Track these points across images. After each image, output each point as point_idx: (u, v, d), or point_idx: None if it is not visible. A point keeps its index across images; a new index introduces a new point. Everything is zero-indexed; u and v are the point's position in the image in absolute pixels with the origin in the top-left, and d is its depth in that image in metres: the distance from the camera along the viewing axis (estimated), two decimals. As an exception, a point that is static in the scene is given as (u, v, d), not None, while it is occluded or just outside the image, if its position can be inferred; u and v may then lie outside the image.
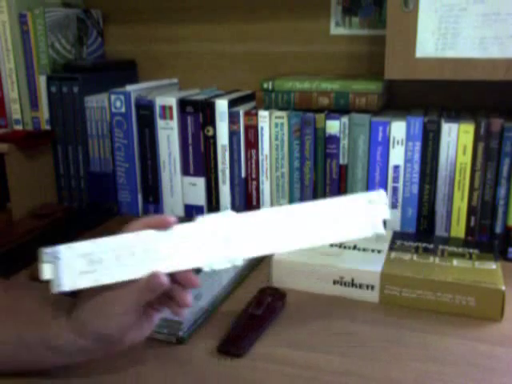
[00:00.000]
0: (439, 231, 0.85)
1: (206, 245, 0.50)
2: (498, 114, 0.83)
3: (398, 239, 0.78)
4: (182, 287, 0.51)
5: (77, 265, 0.49)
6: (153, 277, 0.48)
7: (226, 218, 0.51)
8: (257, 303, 0.66)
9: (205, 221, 0.51)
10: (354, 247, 0.75)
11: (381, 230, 0.53)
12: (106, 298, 0.49)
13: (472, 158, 0.80)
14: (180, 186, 0.98)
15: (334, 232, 0.53)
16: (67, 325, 0.51)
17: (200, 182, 0.97)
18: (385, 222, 0.54)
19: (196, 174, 0.97)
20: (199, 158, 0.96)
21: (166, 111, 0.95)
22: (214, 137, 0.94)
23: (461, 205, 0.82)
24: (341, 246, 0.75)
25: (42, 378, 0.55)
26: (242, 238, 0.51)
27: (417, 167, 0.83)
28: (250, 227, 0.51)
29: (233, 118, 0.92)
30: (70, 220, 0.91)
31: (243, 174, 0.94)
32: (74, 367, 0.56)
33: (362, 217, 0.53)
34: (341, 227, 0.53)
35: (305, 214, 0.52)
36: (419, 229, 0.86)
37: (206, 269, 0.50)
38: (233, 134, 0.92)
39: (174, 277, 0.50)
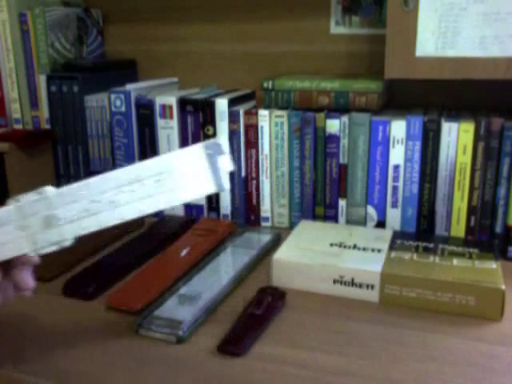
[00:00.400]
0: (439, 231, 0.85)
1: (26, 229, 0.47)
2: (498, 113, 0.83)
3: (398, 239, 0.78)
4: (19, 270, 0.49)
5: None
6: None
7: (43, 197, 0.47)
8: (257, 303, 0.66)
9: (21, 203, 0.47)
10: (354, 247, 0.75)
11: (226, 184, 0.47)
12: None
13: (472, 158, 0.80)
14: (180, 185, 0.98)
15: (171, 195, 0.46)
16: None
17: (200, 181, 0.97)
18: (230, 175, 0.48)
19: (196, 173, 0.97)
20: (199, 158, 0.96)
21: (166, 110, 0.95)
22: (214, 136, 0.94)
23: (461, 204, 0.82)
24: (341, 245, 0.75)
25: (42, 378, 0.55)
26: (65, 217, 0.47)
27: (417, 167, 0.83)
28: (72, 203, 0.47)
29: (233, 118, 0.92)
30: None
31: (243, 173, 0.94)
32: (74, 367, 0.56)
33: (202, 171, 0.47)
34: (178, 186, 0.46)
35: (135, 177, 0.46)
36: (419, 228, 0.86)
37: (32, 254, 0.49)
38: (233, 134, 0.92)
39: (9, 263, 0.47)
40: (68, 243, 0.48)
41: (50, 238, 0.47)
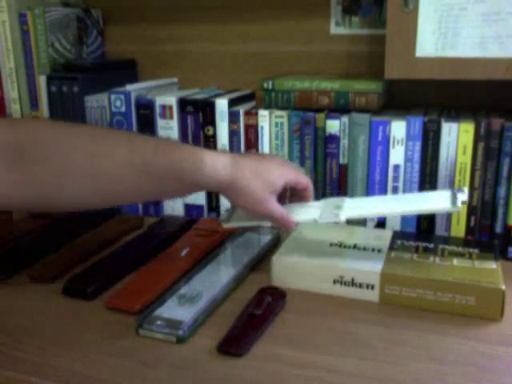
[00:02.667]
0: (439, 231, 0.85)
1: (322, 208, 0.69)
2: (498, 113, 0.83)
3: (398, 239, 0.78)
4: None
5: None
6: (289, 225, 0.67)
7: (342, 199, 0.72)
8: (257, 303, 0.66)
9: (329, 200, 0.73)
10: (354, 247, 0.75)
11: (458, 206, 0.63)
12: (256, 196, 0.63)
13: (472, 158, 0.80)
14: (180, 185, 0.98)
15: (420, 204, 0.66)
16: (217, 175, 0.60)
17: (200, 181, 0.97)
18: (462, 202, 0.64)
19: (196, 173, 0.97)
20: (199, 158, 0.96)
21: (166, 111, 0.95)
22: (214, 136, 0.94)
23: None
24: (341, 245, 0.75)
25: (42, 378, 0.55)
26: (348, 207, 0.68)
27: (417, 167, 0.83)
28: (356, 202, 0.70)
29: (233, 118, 0.92)
30: (70, 220, 0.91)
31: (243, 174, 0.93)
32: (74, 367, 0.56)
33: (444, 198, 0.65)
34: (427, 202, 0.66)
35: (400, 196, 0.72)
36: (419, 228, 0.86)
37: (319, 220, 0.67)
38: (233, 134, 0.92)
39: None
40: (340, 220, 0.67)
41: (330, 215, 0.67)
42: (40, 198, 0.57)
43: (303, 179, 0.69)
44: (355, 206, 0.68)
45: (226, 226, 0.70)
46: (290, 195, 0.72)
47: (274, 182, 0.64)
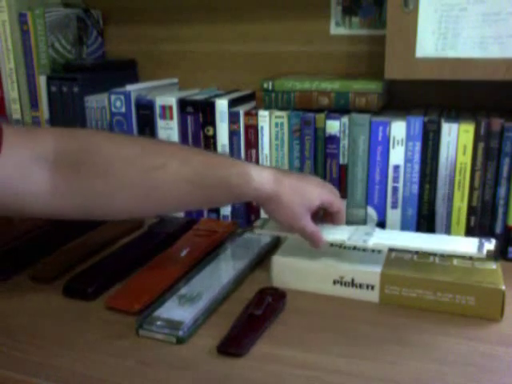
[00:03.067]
0: (439, 231, 0.85)
1: (352, 232, 0.71)
2: (498, 113, 0.83)
3: (398, 239, 0.78)
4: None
5: None
6: (318, 243, 0.69)
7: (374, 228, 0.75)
8: (257, 303, 0.66)
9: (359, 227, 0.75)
10: (354, 247, 0.75)
11: (482, 253, 0.65)
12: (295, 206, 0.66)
13: (472, 158, 0.80)
14: (180, 185, 0.98)
15: (446, 245, 0.67)
16: (263, 188, 0.64)
17: (200, 181, 0.97)
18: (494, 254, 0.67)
19: (196, 173, 0.97)
20: (199, 158, 0.96)
21: (166, 111, 0.95)
22: (214, 137, 0.94)
23: (461, 205, 0.82)
24: (341, 246, 0.75)
25: (42, 378, 0.55)
26: (378, 236, 0.70)
27: (417, 167, 0.83)
28: (386, 233, 0.72)
29: (233, 118, 0.92)
30: (71, 220, 0.91)
31: (243, 174, 0.93)
32: (74, 367, 0.56)
33: (472, 244, 0.67)
34: (453, 244, 0.68)
35: (428, 235, 0.73)
36: (419, 229, 0.86)
37: (347, 241, 0.69)
38: (233, 134, 0.92)
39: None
40: (368, 246, 0.69)
41: (359, 239, 0.69)
42: (93, 208, 0.61)
43: (337, 202, 0.71)
44: (385, 237, 0.70)
45: (259, 231, 0.74)
46: (323, 216, 0.74)
47: (311, 200, 0.67)
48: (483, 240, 0.68)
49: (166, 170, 0.61)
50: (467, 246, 0.66)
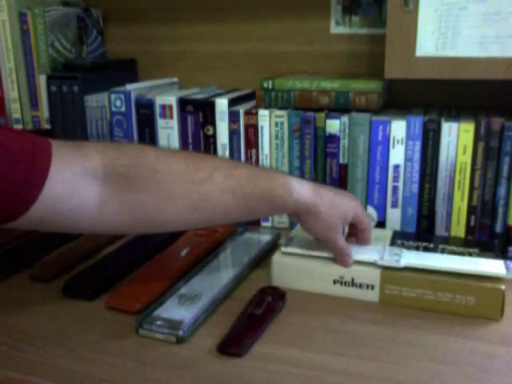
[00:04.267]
0: (439, 230, 0.85)
1: (381, 252, 0.71)
2: (498, 113, 0.83)
3: (398, 238, 0.78)
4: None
5: None
6: (347, 259, 0.69)
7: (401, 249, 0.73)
8: (257, 303, 0.66)
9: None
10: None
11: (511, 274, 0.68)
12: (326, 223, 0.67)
13: (472, 158, 0.80)
14: (180, 185, 0.98)
15: (475, 266, 0.67)
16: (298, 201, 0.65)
17: (200, 181, 0.97)
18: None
19: (196, 173, 0.97)
20: (199, 158, 0.96)
21: (166, 110, 0.95)
22: (214, 136, 0.94)
23: (461, 204, 0.82)
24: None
25: (42, 378, 0.55)
26: (407, 256, 0.69)
27: (417, 166, 0.83)
28: (413, 253, 0.72)
29: (233, 117, 0.91)
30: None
31: (243, 174, 0.93)
32: (74, 367, 0.56)
33: (499, 265, 0.67)
34: (481, 265, 0.67)
35: (454, 257, 0.71)
36: (419, 228, 0.86)
37: (378, 261, 0.68)
38: (233, 133, 0.92)
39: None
40: (399, 265, 0.68)
41: (391, 259, 0.68)
42: (143, 222, 0.62)
43: (366, 219, 0.72)
44: (413, 256, 0.70)
45: (285, 250, 0.73)
46: (348, 234, 0.75)
47: (347, 212, 0.69)
48: (508, 262, 0.69)
49: (212, 182, 0.62)
50: (495, 267, 0.66)
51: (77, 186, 0.57)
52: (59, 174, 0.56)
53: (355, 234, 0.73)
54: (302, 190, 0.66)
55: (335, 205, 0.67)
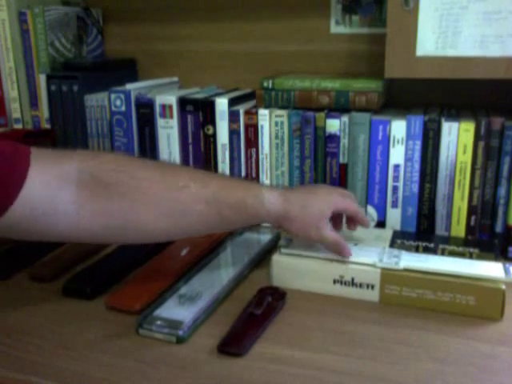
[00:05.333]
0: (439, 230, 0.85)
1: (381, 254, 0.71)
2: (498, 112, 0.83)
3: (398, 238, 0.78)
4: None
5: None
6: (344, 250, 0.69)
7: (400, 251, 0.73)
8: (257, 303, 0.66)
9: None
10: (355, 244, 0.74)
11: (509, 277, 0.66)
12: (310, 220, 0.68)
13: (472, 157, 0.80)
14: (180, 184, 0.98)
15: (474, 268, 0.67)
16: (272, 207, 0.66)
17: (200, 180, 0.97)
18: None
19: (196, 172, 0.97)
20: (199, 157, 0.96)
21: (166, 110, 0.95)
22: (214, 136, 0.93)
23: (461, 204, 0.82)
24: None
25: (42, 378, 0.55)
26: (406, 258, 0.70)
27: (417, 166, 0.83)
28: (413, 255, 0.71)
29: (233, 117, 0.91)
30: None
31: (243, 173, 0.94)
32: (74, 367, 0.56)
33: (497, 268, 0.67)
34: (480, 268, 0.67)
35: (453, 259, 0.70)
36: (419, 228, 0.86)
37: (378, 263, 0.68)
38: (233, 133, 0.92)
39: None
40: (399, 267, 0.68)
41: (391, 261, 0.68)
42: (120, 230, 0.62)
43: (351, 206, 0.71)
44: (412, 259, 0.69)
45: (285, 250, 0.73)
46: (348, 225, 0.75)
47: (322, 210, 0.68)
48: (507, 265, 0.68)
49: (188, 191, 0.63)
50: (494, 270, 0.66)
51: (55, 190, 0.58)
52: (39, 175, 0.57)
53: (351, 221, 0.74)
54: (272, 198, 0.66)
55: (307, 205, 0.68)
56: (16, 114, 1.05)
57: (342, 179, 0.88)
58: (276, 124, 0.89)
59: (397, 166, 0.84)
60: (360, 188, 0.87)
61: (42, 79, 1.02)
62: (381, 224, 0.87)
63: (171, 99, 0.94)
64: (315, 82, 0.88)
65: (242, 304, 0.66)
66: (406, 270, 0.67)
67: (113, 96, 0.97)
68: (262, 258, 0.80)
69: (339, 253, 0.70)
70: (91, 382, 0.55)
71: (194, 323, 0.62)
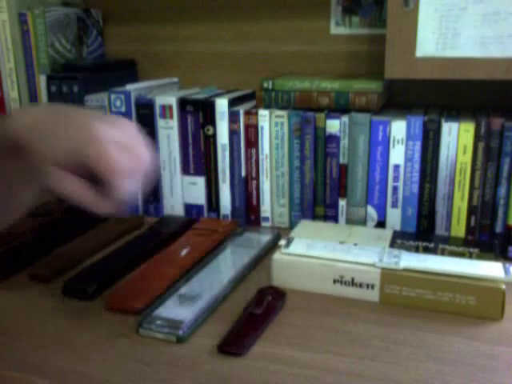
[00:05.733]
0: (439, 230, 0.85)
1: (381, 254, 0.71)
2: (498, 113, 0.83)
3: (398, 238, 0.78)
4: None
5: None
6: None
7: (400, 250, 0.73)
8: (257, 302, 0.66)
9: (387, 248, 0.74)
10: (355, 244, 0.75)
11: (510, 277, 0.65)
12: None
13: (472, 158, 0.80)
14: (180, 185, 0.98)
15: (474, 268, 0.67)
16: None
17: (200, 181, 0.97)
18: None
19: (196, 173, 0.97)
20: (199, 158, 0.96)
21: (166, 110, 0.95)
22: (214, 136, 0.94)
23: (461, 204, 0.82)
24: (342, 243, 0.75)
25: (42, 378, 0.55)
26: (406, 258, 0.69)
27: (417, 166, 0.83)
28: (413, 255, 0.70)
29: (233, 118, 0.92)
30: (70, 219, 0.91)
31: (243, 173, 0.94)
32: (74, 367, 0.56)
33: (497, 268, 0.67)
34: (480, 268, 0.67)
35: (453, 259, 0.70)
36: (419, 228, 0.86)
37: (377, 263, 0.68)
38: (233, 134, 0.92)
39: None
40: (399, 267, 0.68)
41: (391, 261, 0.69)
42: None
43: (105, 163, 0.49)
44: (412, 259, 0.69)
45: (285, 250, 0.73)
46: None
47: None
48: (507, 266, 0.68)
49: None
50: (494, 270, 0.66)
51: None
52: None
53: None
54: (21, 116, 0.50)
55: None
56: (16, 115, 1.05)
57: (341, 179, 0.88)
58: (276, 124, 0.90)
59: (397, 167, 0.84)
60: (360, 188, 0.87)
61: (42, 80, 1.02)
62: (381, 224, 0.87)
63: (171, 100, 0.95)
64: (315, 83, 0.88)
65: (242, 304, 0.66)
66: (406, 269, 0.67)
67: (113, 96, 0.97)
68: (262, 258, 0.80)
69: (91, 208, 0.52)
70: (91, 382, 0.54)
71: (194, 323, 0.62)
